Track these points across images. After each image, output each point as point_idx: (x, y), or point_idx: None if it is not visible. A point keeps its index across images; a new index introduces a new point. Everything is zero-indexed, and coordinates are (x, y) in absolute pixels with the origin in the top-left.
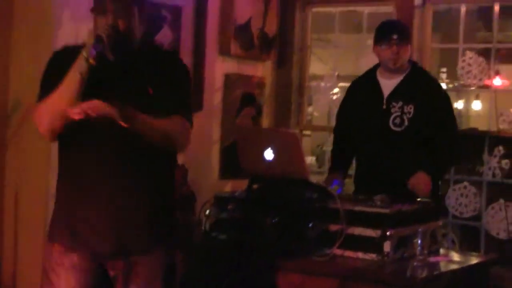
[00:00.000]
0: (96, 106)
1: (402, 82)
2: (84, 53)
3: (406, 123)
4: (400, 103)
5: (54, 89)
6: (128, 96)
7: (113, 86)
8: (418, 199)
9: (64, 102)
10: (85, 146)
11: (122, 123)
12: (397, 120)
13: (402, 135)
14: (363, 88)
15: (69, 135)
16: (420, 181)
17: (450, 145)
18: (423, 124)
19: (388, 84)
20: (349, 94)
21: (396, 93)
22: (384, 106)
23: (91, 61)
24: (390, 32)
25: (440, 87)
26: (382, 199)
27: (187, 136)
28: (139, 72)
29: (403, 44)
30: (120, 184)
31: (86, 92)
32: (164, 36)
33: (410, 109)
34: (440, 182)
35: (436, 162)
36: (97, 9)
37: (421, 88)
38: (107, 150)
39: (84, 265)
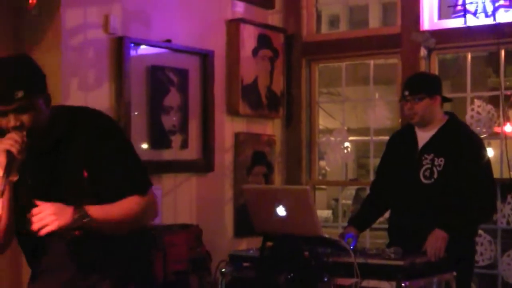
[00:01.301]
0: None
1: (436, 134)
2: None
3: (435, 175)
4: (432, 156)
5: None
6: (63, 189)
7: (43, 184)
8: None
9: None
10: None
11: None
12: (427, 173)
13: (432, 187)
14: (401, 140)
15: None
16: (433, 240)
17: (473, 201)
18: (453, 177)
19: (424, 136)
20: (388, 148)
21: (429, 146)
22: (417, 158)
23: (6, 188)
24: (403, 89)
25: (474, 141)
26: (396, 252)
27: (152, 211)
28: (64, 159)
29: (416, 100)
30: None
31: (20, 196)
32: (171, 99)
33: (440, 161)
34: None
35: (459, 217)
36: None
37: (453, 141)
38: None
39: None
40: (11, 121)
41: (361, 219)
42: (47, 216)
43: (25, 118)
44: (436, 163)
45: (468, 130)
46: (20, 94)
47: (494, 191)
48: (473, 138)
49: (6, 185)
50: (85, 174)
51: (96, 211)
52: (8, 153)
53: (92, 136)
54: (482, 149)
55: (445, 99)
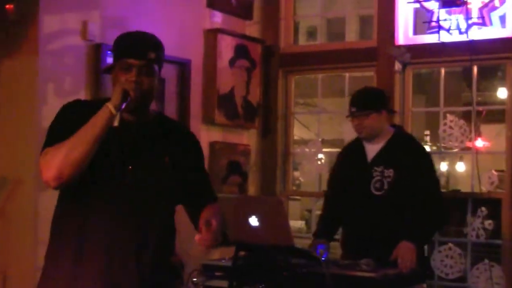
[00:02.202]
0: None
1: (384, 147)
2: (110, 106)
3: (385, 186)
4: (381, 168)
5: (64, 136)
6: (144, 162)
7: (133, 151)
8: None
9: (81, 149)
10: (92, 208)
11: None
12: (378, 184)
13: (382, 199)
14: (350, 153)
15: (75, 194)
16: (403, 252)
17: (433, 210)
18: (403, 188)
19: (372, 149)
20: (338, 161)
21: (378, 158)
22: (367, 171)
23: (114, 112)
24: (350, 105)
25: (421, 151)
26: (368, 263)
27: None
28: (157, 136)
29: (363, 116)
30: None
31: (106, 151)
32: None
33: (390, 173)
34: (425, 245)
35: (419, 228)
36: (110, 69)
37: (402, 153)
38: (119, 216)
39: None
40: (134, 76)
41: (325, 231)
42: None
43: (145, 79)
44: (386, 174)
45: (415, 141)
46: (152, 55)
47: (445, 201)
48: (420, 149)
49: (111, 120)
50: (166, 160)
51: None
52: (124, 91)
53: (182, 133)
54: (430, 160)
55: (390, 111)
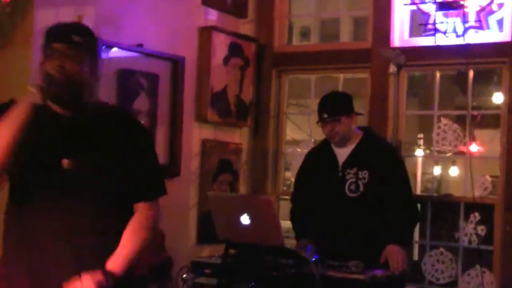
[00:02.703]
0: None
1: (355, 149)
2: (31, 89)
3: (361, 188)
4: (355, 169)
5: None
6: (82, 158)
7: (67, 144)
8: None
9: (5, 138)
10: (30, 206)
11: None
12: (353, 186)
13: (358, 200)
14: (319, 156)
15: (15, 192)
16: (394, 254)
17: (409, 210)
18: (378, 188)
19: (342, 152)
20: (306, 163)
21: (350, 160)
22: (340, 174)
23: (39, 97)
24: (321, 112)
25: (393, 152)
26: (357, 265)
27: (158, 218)
28: (95, 129)
29: (335, 121)
30: (74, 248)
31: (37, 147)
32: (141, 103)
33: (364, 174)
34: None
35: (401, 229)
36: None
37: (374, 154)
38: (56, 214)
39: None
40: (56, 61)
41: (305, 230)
42: None
43: (70, 64)
44: (360, 176)
45: (385, 142)
46: (77, 38)
47: (415, 201)
48: (392, 149)
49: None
50: (107, 152)
51: (117, 266)
52: (47, 74)
53: (126, 124)
54: (401, 160)
55: (357, 114)
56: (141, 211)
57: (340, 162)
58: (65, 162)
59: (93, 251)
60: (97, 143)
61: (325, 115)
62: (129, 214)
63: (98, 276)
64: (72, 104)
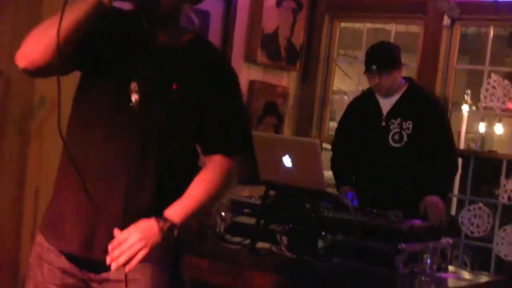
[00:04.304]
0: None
1: (400, 99)
2: None
3: (405, 139)
4: (399, 120)
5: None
6: (151, 84)
7: (133, 60)
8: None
9: (53, 31)
10: (91, 134)
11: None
12: (397, 136)
13: (401, 151)
14: (362, 106)
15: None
16: (434, 206)
17: (450, 162)
18: (421, 139)
19: (386, 102)
20: (348, 112)
21: (395, 111)
22: (384, 123)
23: None
24: (369, 63)
25: (437, 104)
26: (397, 214)
27: (234, 179)
28: (169, 56)
29: (383, 73)
30: (129, 179)
31: (100, 50)
32: None
33: (408, 125)
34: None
35: (441, 182)
36: None
37: (419, 105)
38: (123, 135)
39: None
40: None
41: (346, 178)
42: (134, 245)
43: None
44: (404, 126)
45: (429, 94)
46: None
47: (457, 153)
48: (436, 102)
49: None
50: (174, 86)
51: (178, 213)
52: None
53: (216, 62)
54: (445, 112)
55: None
56: (216, 162)
57: (384, 112)
58: (133, 86)
59: (150, 192)
60: (183, 75)
61: (374, 67)
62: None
63: (153, 226)
64: (166, 25)
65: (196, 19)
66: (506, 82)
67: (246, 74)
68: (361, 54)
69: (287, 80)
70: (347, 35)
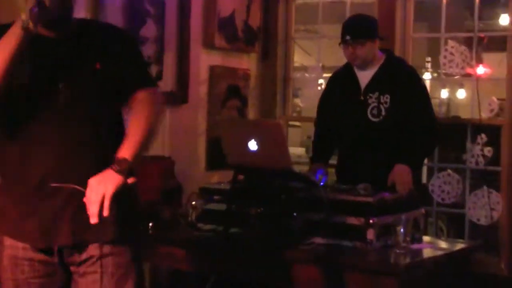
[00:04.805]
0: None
1: (377, 72)
2: (22, 16)
3: (383, 113)
4: (377, 94)
5: None
6: (76, 75)
7: (58, 65)
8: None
9: (2, 62)
10: (27, 133)
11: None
12: (375, 111)
13: (380, 125)
14: (341, 80)
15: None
16: (400, 175)
17: (425, 132)
18: (400, 113)
19: (364, 75)
20: (328, 87)
21: (372, 84)
22: (362, 98)
23: (30, 25)
24: (344, 33)
25: (414, 75)
26: (366, 188)
27: (163, 105)
28: (82, 46)
29: (358, 44)
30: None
31: (31, 72)
32: (148, 30)
33: (386, 99)
34: (420, 170)
35: (413, 152)
36: None
37: (396, 78)
38: (51, 129)
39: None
40: None
41: (322, 155)
42: (97, 191)
43: None
44: (382, 100)
45: (406, 65)
46: None
47: (437, 123)
48: (413, 72)
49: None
50: (98, 66)
51: (127, 151)
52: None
53: (108, 34)
54: (423, 83)
55: (381, 39)
56: (141, 98)
57: (362, 86)
58: (61, 85)
59: (94, 162)
60: (88, 60)
61: (348, 37)
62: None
63: (112, 175)
64: (62, 25)
65: (151, 9)
66: (463, 47)
67: (206, 60)
68: (319, 28)
69: (248, 62)
70: (304, 10)
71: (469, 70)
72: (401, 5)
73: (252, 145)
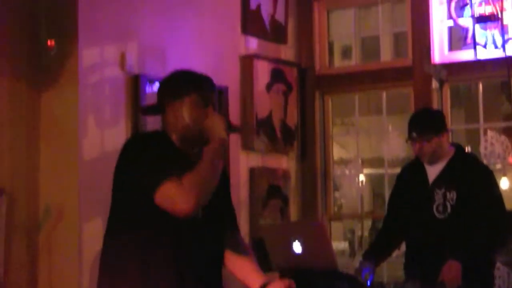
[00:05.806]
0: None
1: (445, 168)
2: (221, 136)
3: (449, 210)
4: (443, 190)
5: (177, 168)
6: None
7: None
8: None
9: (214, 180)
10: (179, 239)
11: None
12: (440, 208)
13: (446, 222)
14: (410, 174)
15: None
16: (449, 271)
17: (487, 226)
18: (466, 210)
19: (433, 170)
20: (398, 182)
21: (440, 180)
22: (429, 193)
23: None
24: (410, 130)
25: (483, 170)
26: (413, 285)
27: None
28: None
29: (424, 140)
30: None
31: None
32: None
33: (452, 195)
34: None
35: (468, 246)
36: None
37: (463, 174)
38: (200, 252)
39: None
40: (212, 109)
41: (377, 252)
42: None
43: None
44: (448, 197)
45: (476, 161)
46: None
47: (505, 220)
48: (482, 169)
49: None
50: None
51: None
52: (227, 122)
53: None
54: (492, 179)
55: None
56: (236, 236)
57: (430, 181)
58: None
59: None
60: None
61: (414, 134)
62: None
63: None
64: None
65: None
66: (503, 137)
67: (245, 162)
68: (356, 120)
69: (287, 161)
70: (340, 103)
71: (511, 160)
72: (436, 96)
73: (297, 247)
